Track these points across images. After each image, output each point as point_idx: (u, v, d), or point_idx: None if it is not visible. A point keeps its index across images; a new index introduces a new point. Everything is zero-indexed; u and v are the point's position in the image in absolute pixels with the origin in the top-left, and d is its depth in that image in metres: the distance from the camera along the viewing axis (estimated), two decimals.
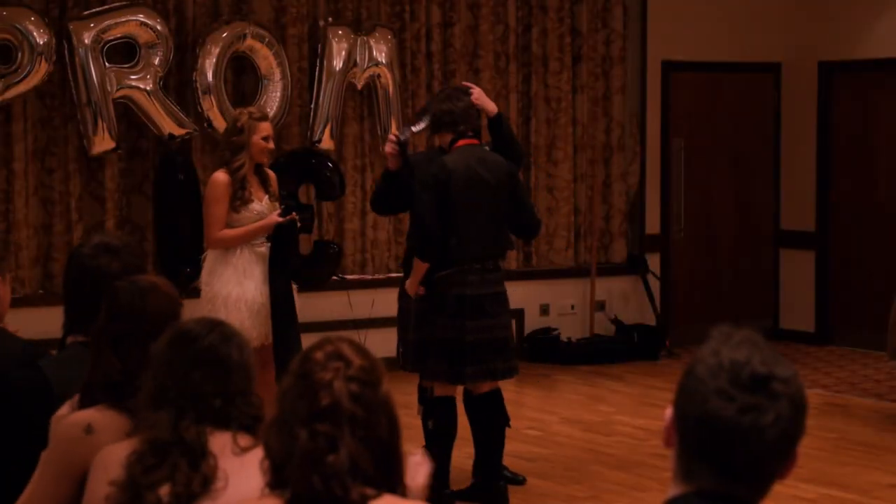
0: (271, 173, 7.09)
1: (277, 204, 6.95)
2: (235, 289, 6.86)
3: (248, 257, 6.90)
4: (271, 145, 6.94)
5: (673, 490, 2.08)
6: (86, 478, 3.13)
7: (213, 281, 6.94)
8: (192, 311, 7.47)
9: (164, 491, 2.84)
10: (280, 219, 6.84)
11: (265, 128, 6.89)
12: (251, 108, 7.34)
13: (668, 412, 2.08)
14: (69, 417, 3.25)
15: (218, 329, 3.00)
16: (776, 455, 2.02)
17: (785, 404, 2.00)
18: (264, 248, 6.92)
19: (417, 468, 2.69)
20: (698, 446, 2.02)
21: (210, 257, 7.04)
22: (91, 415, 3.22)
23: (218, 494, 2.85)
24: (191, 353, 2.95)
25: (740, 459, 2.00)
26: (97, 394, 3.26)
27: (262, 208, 6.90)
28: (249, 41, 9.33)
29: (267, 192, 6.96)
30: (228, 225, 6.87)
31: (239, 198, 6.85)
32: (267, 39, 9.38)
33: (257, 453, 2.85)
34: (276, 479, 2.42)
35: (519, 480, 7.10)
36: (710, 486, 2.02)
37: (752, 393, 1.99)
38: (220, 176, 6.90)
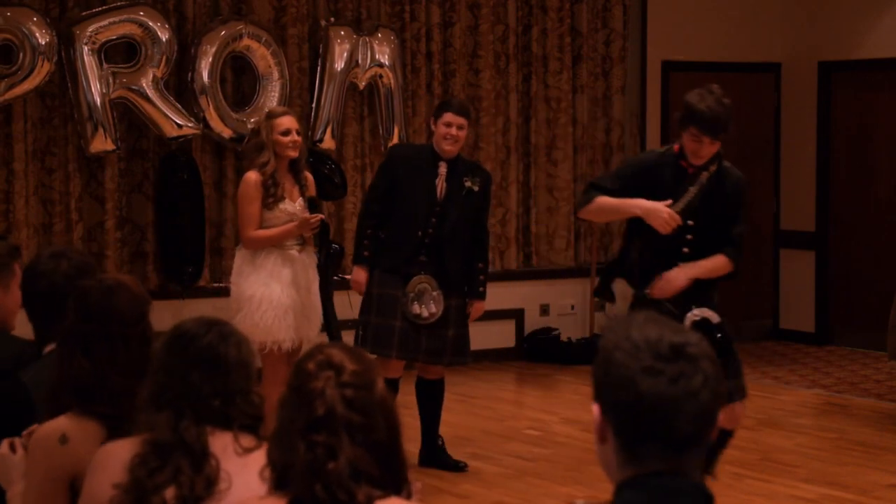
0: (309, 177, 7.08)
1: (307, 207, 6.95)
2: (261, 289, 6.83)
3: (276, 259, 6.88)
4: (295, 138, 6.86)
5: (622, 475, 2.10)
6: (73, 482, 3.16)
7: (241, 281, 6.91)
8: (194, 310, 7.49)
9: (169, 494, 2.84)
10: (311, 217, 6.80)
11: (282, 122, 6.85)
12: (271, 108, 7.45)
13: (596, 409, 2.09)
14: (43, 428, 3.24)
15: (216, 328, 2.99)
16: (711, 415, 2.06)
17: (706, 364, 2.05)
18: (294, 251, 6.93)
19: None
20: (639, 428, 2.04)
21: (239, 257, 7.01)
22: (64, 424, 3.21)
23: (222, 496, 2.84)
24: (189, 353, 2.94)
25: (683, 428, 2.03)
26: (66, 397, 3.24)
27: (294, 209, 6.88)
28: (246, 41, 9.32)
29: (302, 194, 6.95)
30: (262, 224, 6.86)
31: (272, 195, 6.83)
32: (264, 39, 9.37)
33: (261, 454, 2.86)
34: (279, 485, 2.44)
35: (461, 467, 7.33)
36: (658, 465, 2.05)
37: (674, 362, 2.03)
38: (251, 175, 6.88)
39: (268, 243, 6.86)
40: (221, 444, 2.90)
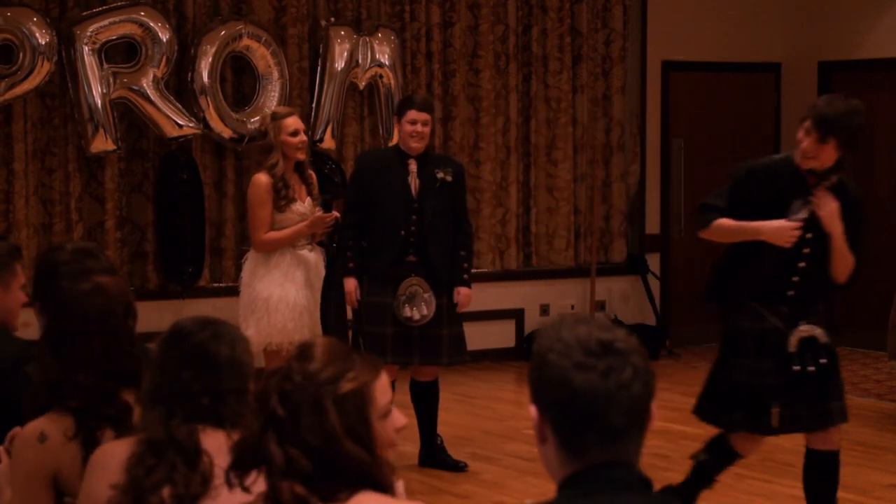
0: (313, 175, 7.08)
1: (318, 205, 6.95)
2: (277, 290, 6.82)
3: (289, 260, 6.88)
4: (303, 138, 6.88)
5: (563, 472, 2.14)
6: (56, 480, 3.23)
7: (255, 283, 6.88)
8: (194, 310, 7.46)
9: (167, 493, 2.85)
10: (326, 215, 6.82)
11: (290, 123, 6.84)
12: (276, 109, 7.40)
13: (533, 410, 2.16)
14: (22, 430, 3.31)
15: (211, 327, 3.00)
16: (644, 406, 2.14)
17: (635, 358, 2.14)
18: (306, 251, 6.93)
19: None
20: (576, 423, 2.11)
21: (251, 259, 6.99)
22: (42, 423, 3.27)
23: (218, 493, 2.85)
24: (180, 350, 2.96)
25: (617, 419, 2.11)
26: (43, 395, 3.31)
27: (305, 209, 6.89)
28: (246, 41, 9.32)
29: (310, 193, 6.95)
30: (273, 226, 6.84)
31: (283, 197, 6.82)
32: (264, 39, 9.38)
33: None
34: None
35: (461, 467, 7.31)
36: (597, 457, 2.12)
37: (604, 357, 2.11)
38: (261, 178, 6.85)
39: (280, 245, 6.85)
40: (216, 442, 2.90)
